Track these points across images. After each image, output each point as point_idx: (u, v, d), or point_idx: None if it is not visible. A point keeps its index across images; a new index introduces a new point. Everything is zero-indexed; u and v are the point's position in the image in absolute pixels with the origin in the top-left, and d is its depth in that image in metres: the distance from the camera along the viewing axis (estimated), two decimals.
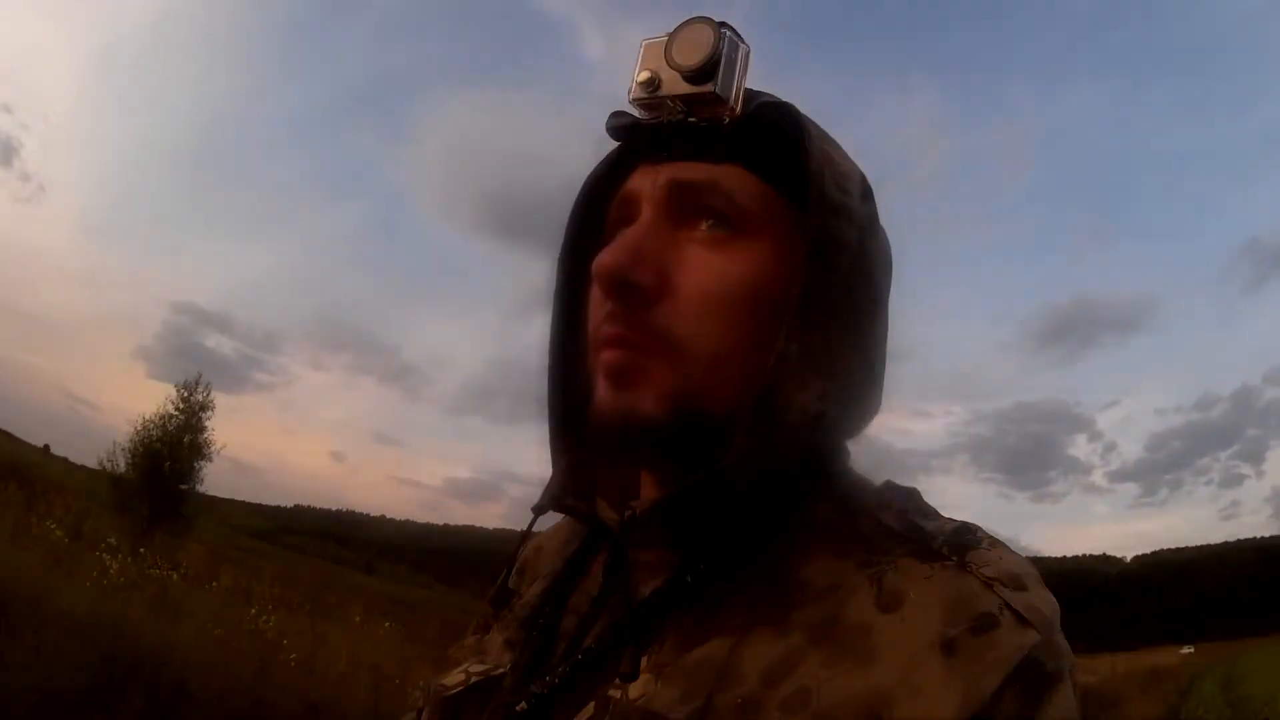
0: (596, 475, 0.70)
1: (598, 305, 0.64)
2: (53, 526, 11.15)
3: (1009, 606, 0.51)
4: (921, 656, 0.50)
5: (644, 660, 0.58)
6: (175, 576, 11.34)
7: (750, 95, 0.63)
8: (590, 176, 0.73)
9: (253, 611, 10.13)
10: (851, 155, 0.68)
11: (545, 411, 0.72)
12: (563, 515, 0.75)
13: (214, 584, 12.51)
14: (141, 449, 21.87)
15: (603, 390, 0.62)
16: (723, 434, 0.60)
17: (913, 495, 0.64)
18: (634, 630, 0.60)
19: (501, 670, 0.69)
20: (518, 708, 0.62)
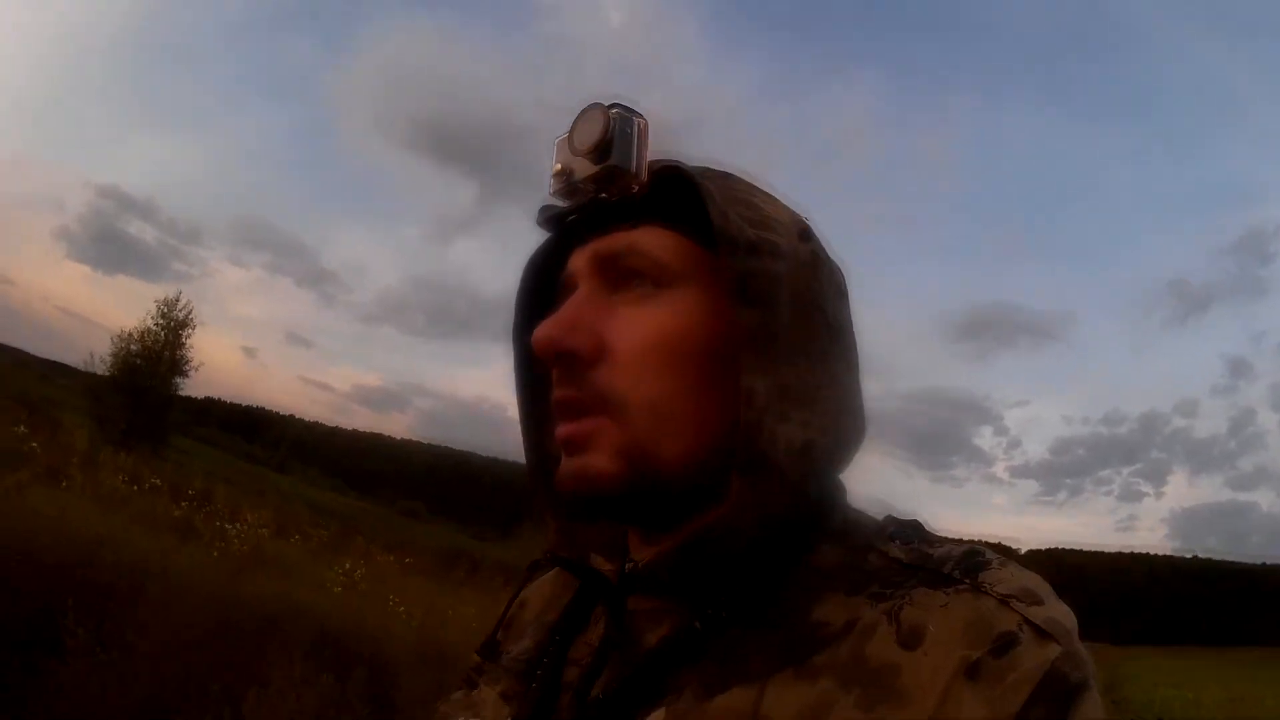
0: (586, 531, 0.71)
1: (554, 375, 0.65)
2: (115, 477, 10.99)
3: (1028, 621, 0.51)
4: (950, 687, 0.50)
5: (663, 711, 0.57)
6: (265, 532, 11.44)
7: (660, 163, 0.65)
8: (529, 262, 0.75)
9: (346, 565, 10.23)
10: (783, 192, 0.70)
11: (530, 479, 0.74)
12: (549, 571, 0.79)
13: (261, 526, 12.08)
14: (121, 362, 21.79)
15: (563, 461, 0.64)
16: (690, 486, 0.61)
17: (916, 526, 0.64)
18: (648, 678, 0.59)
19: None
20: None
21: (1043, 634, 0.51)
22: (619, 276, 0.65)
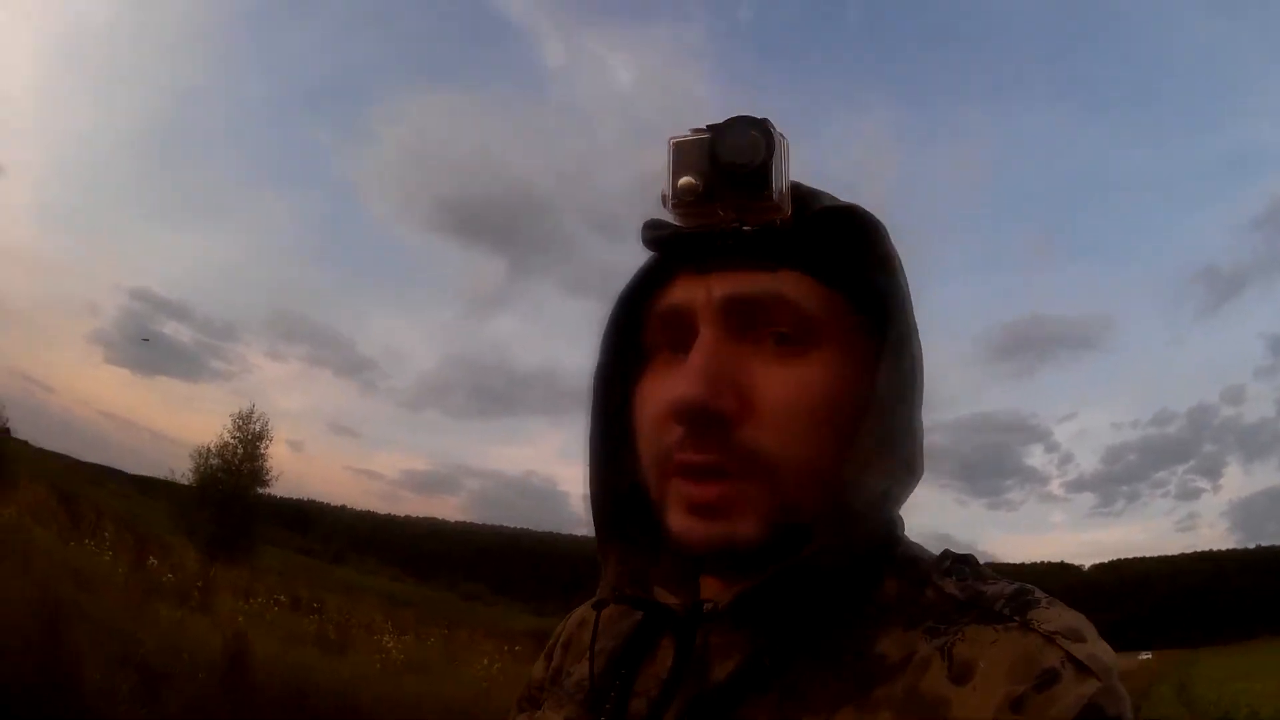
0: (646, 564, 0.68)
1: (658, 425, 0.63)
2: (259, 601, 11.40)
3: (1070, 658, 0.53)
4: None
5: None
6: (408, 639, 11.99)
7: (802, 194, 0.62)
8: (627, 288, 0.70)
9: (484, 661, 10.85)
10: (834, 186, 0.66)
11: (591, 515, 0.71)
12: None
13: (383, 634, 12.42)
14: (203, 476, 23.55)
15: (686, 520, 0.62)
16: (805, 531, 0.60)
17: (970, 561, 0.64)
18: (717, 710, 0.60)
19: None
20: None
21: (1083, 669, 0.52)
22: (754, 325, 0.62)
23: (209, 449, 24.41)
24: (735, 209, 0.60)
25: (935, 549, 0.67)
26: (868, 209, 0.65)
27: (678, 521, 0.62)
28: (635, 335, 0.69)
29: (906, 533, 0.69)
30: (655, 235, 0.66)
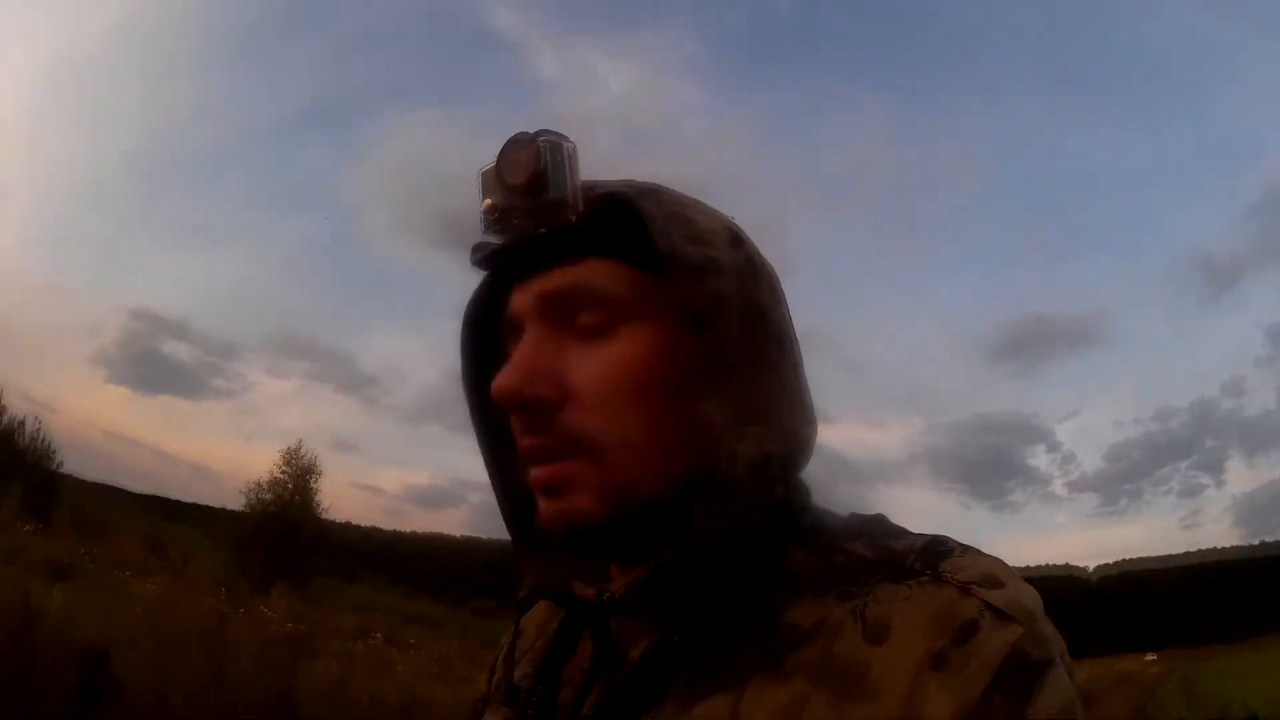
0: (566, 561, 0.70)
1: (516, 422, 0.66)
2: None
3: (989, 606, 0.53)
4: (917, 680, 0.52)
5: None
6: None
7: (589, 187, 0.64)
8: (469, 304, 0.74)
9: None
10: (715, 208, 0.70)
11: (505, 528, 0.74)
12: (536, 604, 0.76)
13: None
14: (256, 511, 24.57)
15: (542, 503, 0.65)
16: (669, 508, 0.62)
17: (880, 520, 0.66)
18: (633, 693, 0.61)
19: None
20: None
21: (1003, 616, 0.52)
22: (567, 315, 0.65)
23: (260, 484, 25.47)
24: (529, 218, 0.63)
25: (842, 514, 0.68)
26: (649, 182, 0.68)
27: (540, 505, 0.65)
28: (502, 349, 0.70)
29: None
30: (478, 257, 0.70)
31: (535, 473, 0.64)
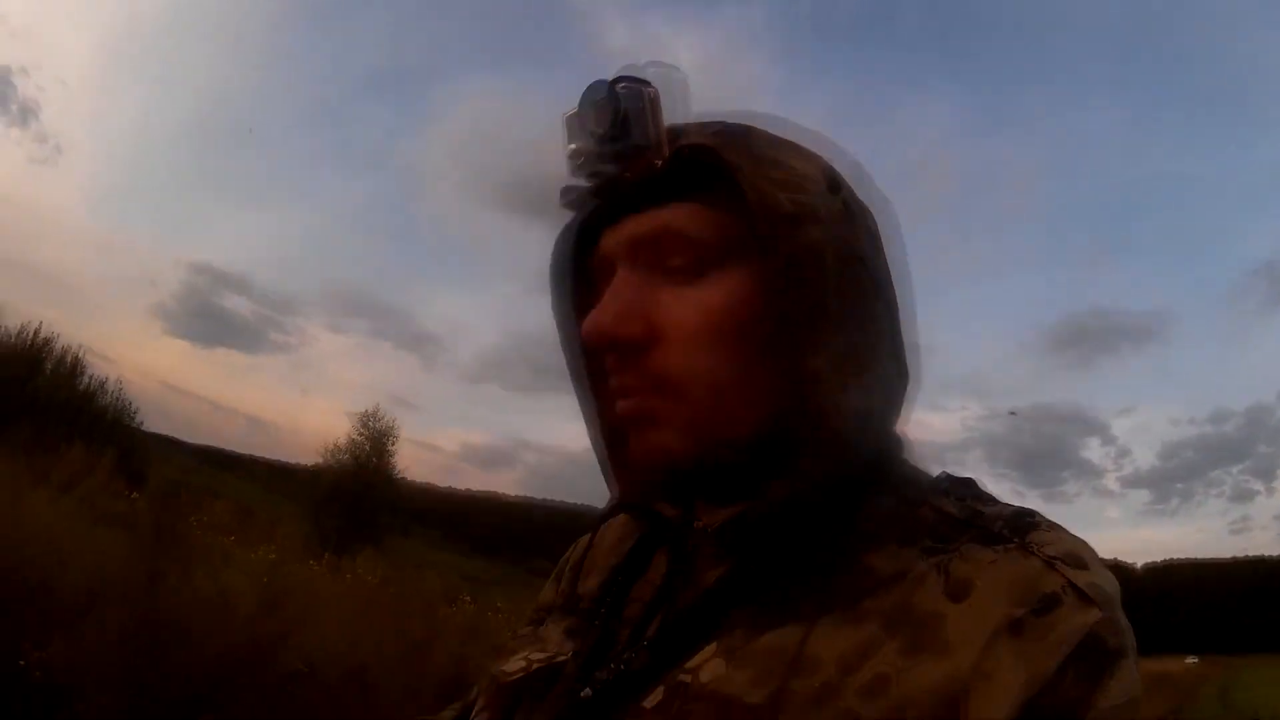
0: (652, 487, 0.71)
1: (608, 360, 0.67)
2: None
3: (1072, 585, 0.53)
4: (992, 642, 0.51)
5: (714, 646, 0.60)
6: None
7: (676, 132, 0.64)
8: (558, 244, 0.75)
9: None
10: (838, 150, 0.69)
11: (594, 455, 0.76)
12: (614, 521, 0.79)
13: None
14: (335, 474, 25.24)
15: (632, 437, 0.66)
16: (755, 456, 0.63)
17: (970, 483, 0.65)
18: (703, 615, 0.62)
19: (563, 658, 0.70)
20: (582, 693, 0.63)
21: (1085, 598, 0.52)
22: (657, 257, 0.65)
23: (338, 446, 25.96)
24: (612, 164, 0.65)
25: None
26: (743, 123, 0.68)
27: (631, 440, 0.67)
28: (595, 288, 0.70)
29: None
30: (566, 200, 0.71)
31: (622, 405, 0.66)
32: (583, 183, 0.68)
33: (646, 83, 0.64)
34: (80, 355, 17.73)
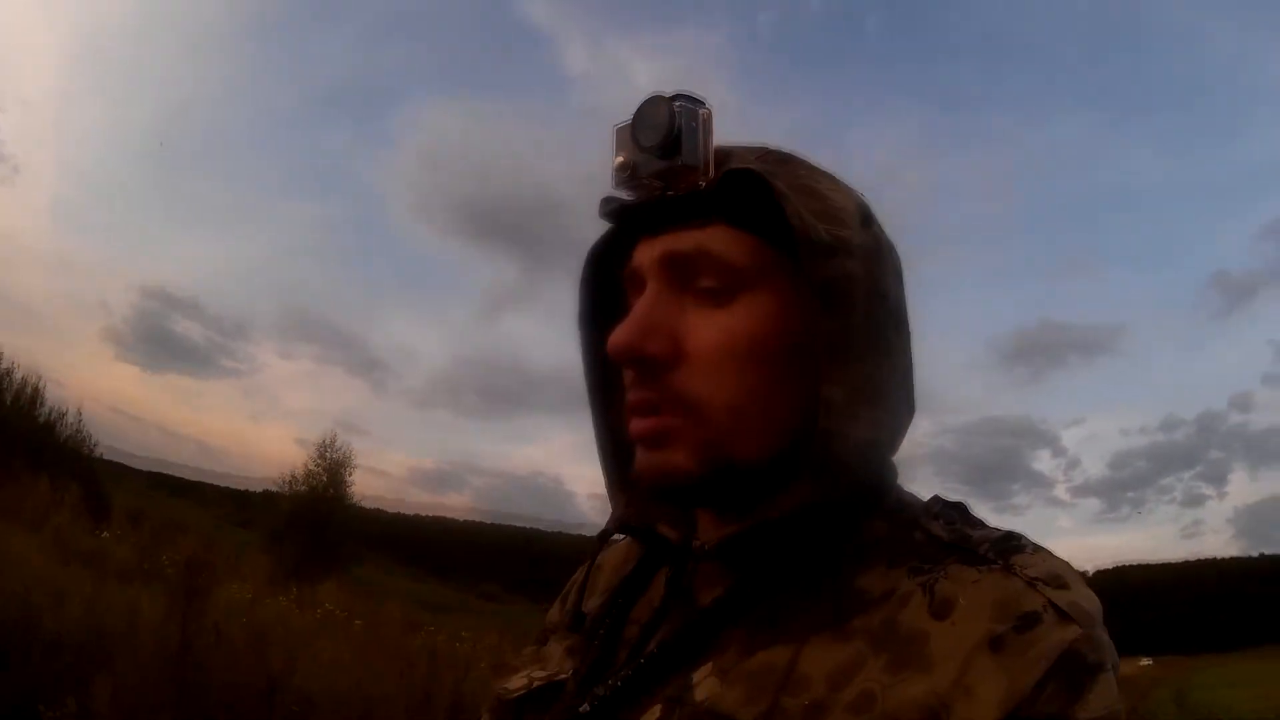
0: (652, 506, 0.72)
1: (627, 374, 0.67)
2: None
3: (1052, 604, 0.54)
4: (973, 658, 0.53)
5: (709, 664, 0.61)
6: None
7: (724, 155, 0.65)
8: (591, 252, 0.75)
9: None
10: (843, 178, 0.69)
11: (600, 468, 0.77)
12: (619, 541, 0.81)
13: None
14: (292, 503, 24.76)
15: (639, 453, 0.67)
16: (762, 476, 0.64)
17: (960, 507, 0.67)
18: (698, 635, 0.63)
19: (564, 676, 0.71)
20: (580, 709, 0.64)
21: (1065, 616, 0.53)
22: (688, 277, 0.65)
23: (295, 477, 25.58)
24: (659, 178, 0.65)
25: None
26: (785, 151, 0.69)
27: (637, 455, 0.67)
28: (622, 298, 0.71)
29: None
30: (606, 209, 0.71)
31: (636, 424, 0.65)
32: (624, 195, 0.69)
33: (702, 103, 0.65)
34: (40, 385, 17.49)
